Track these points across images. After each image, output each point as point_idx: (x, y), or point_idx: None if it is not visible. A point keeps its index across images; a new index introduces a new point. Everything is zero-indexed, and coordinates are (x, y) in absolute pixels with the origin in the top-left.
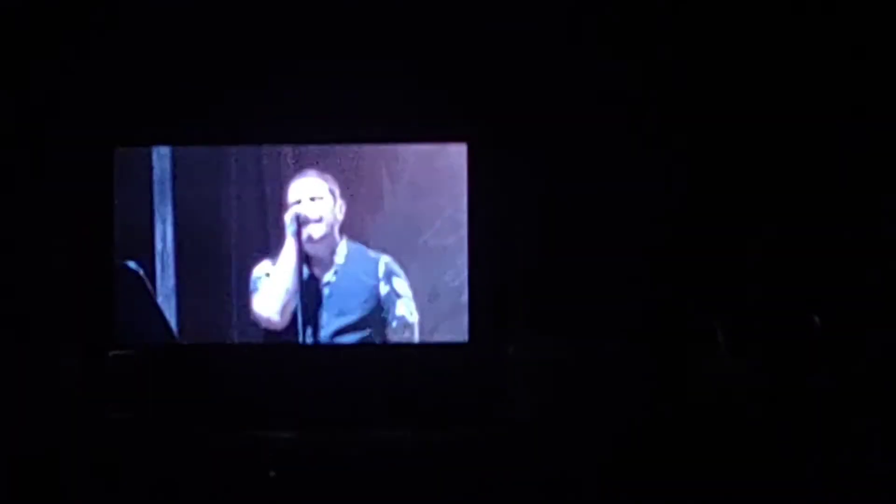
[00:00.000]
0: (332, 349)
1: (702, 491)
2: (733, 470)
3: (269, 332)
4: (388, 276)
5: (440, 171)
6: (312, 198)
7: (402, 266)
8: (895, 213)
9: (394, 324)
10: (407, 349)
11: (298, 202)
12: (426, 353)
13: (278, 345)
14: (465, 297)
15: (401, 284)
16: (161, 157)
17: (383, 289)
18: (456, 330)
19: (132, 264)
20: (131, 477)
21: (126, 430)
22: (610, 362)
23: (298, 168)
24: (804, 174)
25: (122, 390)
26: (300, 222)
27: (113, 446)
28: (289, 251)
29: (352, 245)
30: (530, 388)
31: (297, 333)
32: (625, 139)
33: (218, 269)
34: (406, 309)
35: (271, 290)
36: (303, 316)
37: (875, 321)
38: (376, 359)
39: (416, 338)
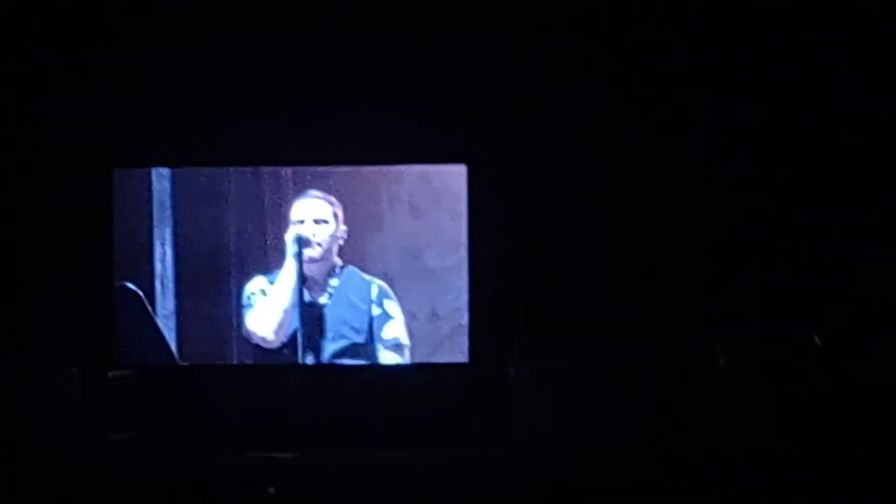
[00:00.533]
0: (332, 370)
1: None
2: (735, 492)
3: (262, 350)
4: (381, 298)
5: (440, 191)
6: (317, 220)
7: (402, 287)
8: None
9: (385, 346)
10: (407, 370)
11: (301, 222)
12: (427, 374)
13: (277, 366)
14: (465, 319)
15: (392, 307)
16: (160, 178)
17: (375, 311)
18: (456, 351)
19: (131, 285)
20: (131, 496)
21: (126, 450)
22: (611, 384)
23: (301, 188)
24: (805, 193)
25: (122, 411)
26: (302, 243)
27: (113, 466)
28: (288, 271)
29: (347, 269)
30: (531, 409)
31: (291, 353)
32: (624, 160)
33: (217, 290)
34: (398, 331)
35: (267, 309)
36: (302, 339)
37: (876, 340)
38: (377, 379)
39: (408, 360)
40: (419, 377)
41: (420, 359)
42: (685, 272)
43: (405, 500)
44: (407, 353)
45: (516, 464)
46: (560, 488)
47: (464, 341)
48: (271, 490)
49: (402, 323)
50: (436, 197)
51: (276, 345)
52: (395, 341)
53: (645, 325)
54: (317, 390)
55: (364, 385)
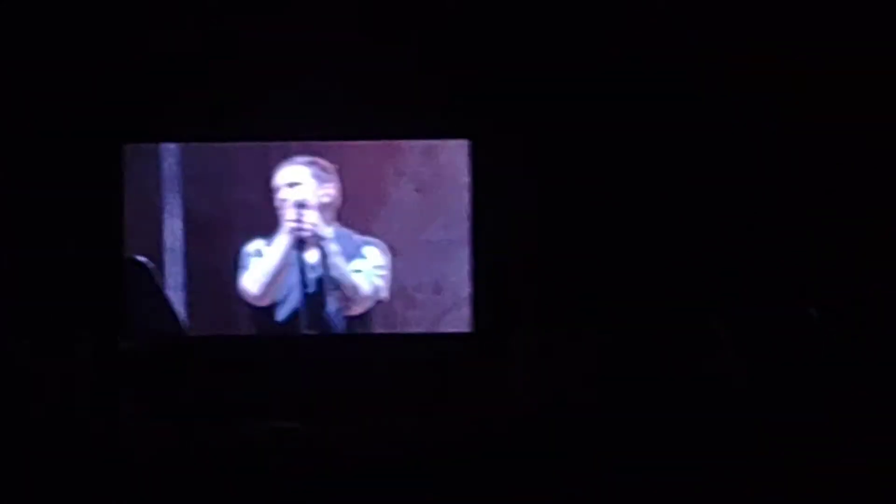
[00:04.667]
0: (339, 339)
1: (701, 486)
2: (733, 466)
3: (263, 314)
4: (362, 247)
5: (443, 165)
6: (291, 184)
7: (405, 260)
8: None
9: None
10: (412, 339)
11: (291, 185)
12: (430, 343)
13: (285, 336)
14: (467, 291)
15: (371, 251)
16: (169, 152)
17: (355, 264)
18: (459, 324)
19: (141, 258)
20: (142, 466)
21: (136, 421)
22: (611, 354)
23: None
24: (802, 168)
25: (132, 382)
26: (301, 209)
27: (123, 436)
28: (282, 235)
29: (339, 231)
30: (532, 379)
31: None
32: (626, 134)
33: (226, 262)
34: (363, 265)
35: (261, 270)
36: (300, 296)
37: (875, 313)
38: (382, 348)
39: (387, 295)
40: (423, 346)
41: (424, 329)
42: (685, 244)
43: (409, 468)
44: (368, 283)
45: (518, 432)
46: (562, 457)
47: (466, 312)
48: (279, 456)
49: (373, 263)
50: (439, 171)
51: (265, 303)
52: (356, 266)
53: (645, 296)
54: (323, 360)
55: (368, 354)
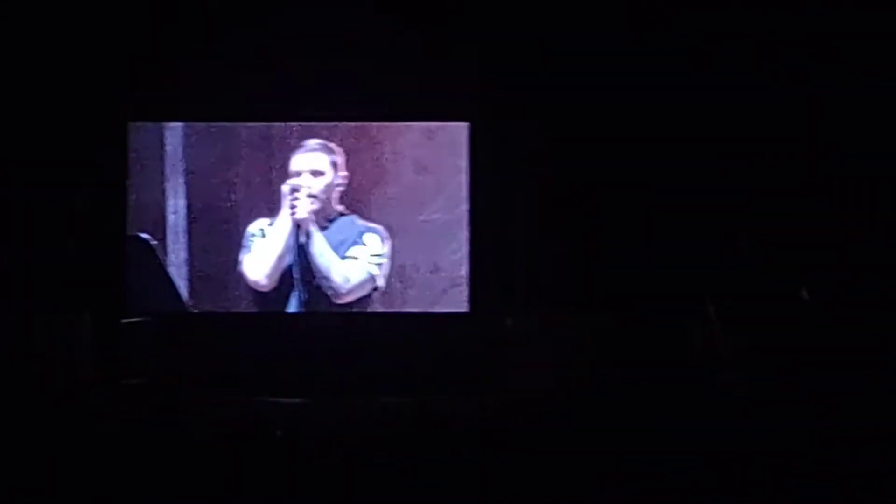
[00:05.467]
0: (340, 318)
1: (693, 463)
2: (725, 444)
3: (256, 291)
4: (363, 234)
5: (442, 147)
6: (314, 172)
7: (404, 240)
8: (884, 189)
9: (343, 257)
10: (411, 318)
11: (299, 174)
12: (429, 322)
13: (284, 313)
14: (465, 271)
15: (371, 238)
16: (173, 131)
17: (353, 251)
18: (457, 302)
19: (144, 235)
20: (143, 440)
21: (138, 395)
22: (605, 334)
23: (306, 139)
24: (794, 152)
25: (135, 357)
26: (296, 194)
27: (125, 410)
28: (284, 219)
29: (345, 216)
30: (528, 358)
31: (285, 296)
32: (623, 118)
33: (228, 240)
34: (360, 252)
35: (262, 254)
36: (298, 280)
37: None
38: (382, 327)
39: (383, 283)
40: (422, 325)
41: (422, 309)
42: (679, 228)
43: (407, 445)
44: (362, 271)
45: (514, 411)
46: (556, 435)
47: (464, 292)
48: (278, 433)
49: (371, 251)
50: (438, 153)
51: (267, 288)
52: (353, 253)
53: (639, 279)
54: (323, 337)
55: (368, 333)
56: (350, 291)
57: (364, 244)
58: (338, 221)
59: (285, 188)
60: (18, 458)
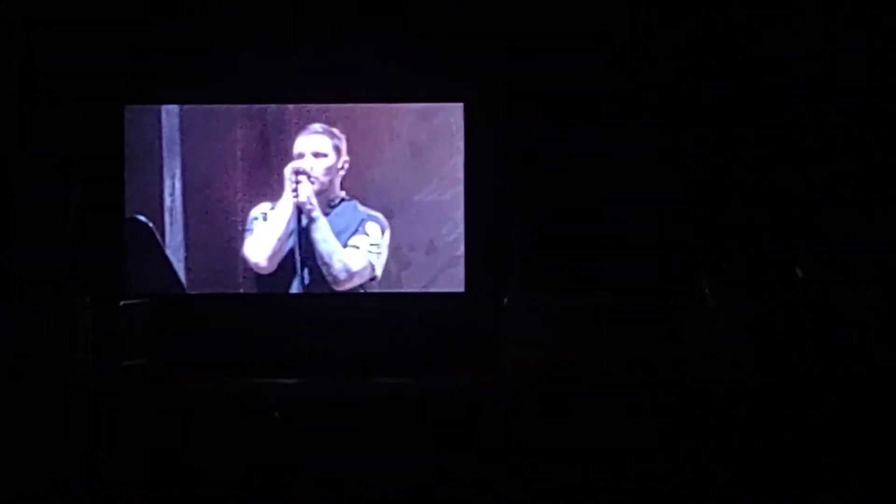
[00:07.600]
0: (336, 298)
1: (689, 439)
2: (720, 420)
3: (258, 275)
4: (364, 223)
5: (438, 128)
6: (316, 154)
7: (401, 220)
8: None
9: (344, 245)
10: (407, 298)
11: (302, 156)
12: (425, 302)
13: (281, 294)
14: (461, 251)
15: (372, 227)
16: (169, 114)
17: (355, 240)
18: (453, 282)
19: (142, 217)
20: (142, 420)
21: (137, 376)
22: (600, 313)
23: (304, 122)
24: (786, 131)
25: (134, 338)
26: (299, 176)
27: (125, 391)
28: (286, 202)
29: (347, 201)
30: (524, 337)
31: (287, 280)
32: (617, 97)
33: (224, 222)
34: (361, 241)
35: (263, 236)
36: (299, 264)
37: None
38: (379, 307)
39: (380, 274)
40: (418, 305)
41: (418, 288)
42: (674, 206)
43: (403, 424)
44: (362, 259)
45: (509, 389)
46: (551, 414)
47: (460, 272)
48: (276, 414)
49: (371, 241)
50: (434, 133)
51: (269, 270)
52: (355, 242)
53: (634, 258)
54: (320, 318)
55: (364, 313)
56: (348, 280)
57: (367, 233)
58: (340, 207)
59: (288, 170)
60: (19, 439)
